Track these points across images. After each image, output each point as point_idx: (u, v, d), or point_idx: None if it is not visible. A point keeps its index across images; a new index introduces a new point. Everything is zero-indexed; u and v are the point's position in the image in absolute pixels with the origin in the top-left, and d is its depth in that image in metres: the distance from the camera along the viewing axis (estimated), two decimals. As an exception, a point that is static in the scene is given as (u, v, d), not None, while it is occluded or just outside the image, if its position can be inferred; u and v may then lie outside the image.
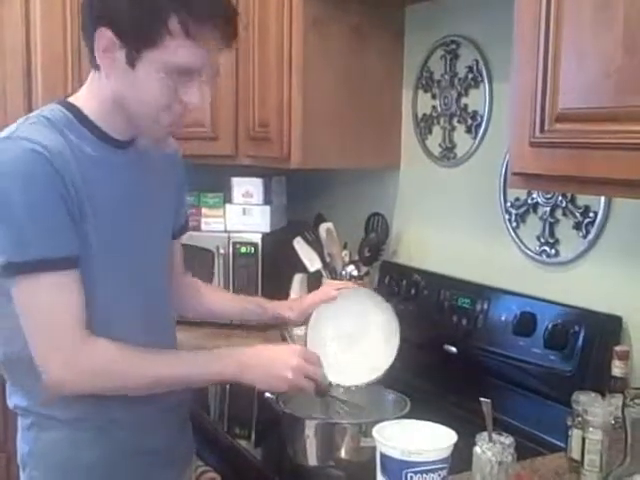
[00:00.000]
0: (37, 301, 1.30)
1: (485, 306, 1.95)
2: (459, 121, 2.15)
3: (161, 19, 1.24)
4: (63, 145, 1.30)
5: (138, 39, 1.26)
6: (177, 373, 1.40)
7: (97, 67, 1.34)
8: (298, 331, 2.41)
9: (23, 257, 1.27)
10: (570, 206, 1.81)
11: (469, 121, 2.11)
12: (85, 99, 1.39)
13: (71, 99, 1.40)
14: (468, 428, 1.32)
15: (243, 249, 2.52)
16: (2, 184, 1.25)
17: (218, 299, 1.82)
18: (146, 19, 1.25)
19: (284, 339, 2.19)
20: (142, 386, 1.38)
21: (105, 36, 1.28)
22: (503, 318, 1.89)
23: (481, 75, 2.06)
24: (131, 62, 1.28)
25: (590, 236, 1.76)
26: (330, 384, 1.54)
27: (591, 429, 1.38)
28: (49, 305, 1.30)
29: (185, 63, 1.28)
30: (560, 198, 1.83)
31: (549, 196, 1.86)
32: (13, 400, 1.45)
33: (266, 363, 1.43)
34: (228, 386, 2.07)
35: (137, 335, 1.39)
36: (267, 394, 1.60)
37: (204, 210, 2.62)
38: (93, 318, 1.34)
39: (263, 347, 1.52)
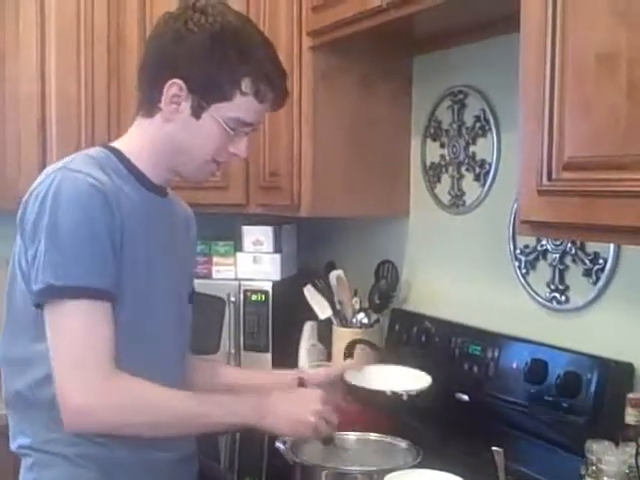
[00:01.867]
0: (71, 327, 1.31)
1: (496, 353, 1.94)
2: (467, 169, 2.17)
3: (236, 78, 1.38)
4: (110, 184, 1.35)
5: (210, 93, 1.39)
6: (201, 411, 1.39)
7: (151, 114, 1.44)
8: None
9: (65, 281, 1.30)
10: (580, 253, 1.81)
11: (477, 169, 2.13)
12: (128, 144, 1.47)
13: (113, 144, 1.47)
14: (480, 478, 1.31)
15: (254, 297, 2.53)
16: (56, 210, 1.30)
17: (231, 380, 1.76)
18: (223, 77, 1.38)
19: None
20: (164, 423, 1.37)
21: (176, 86, 1.38)
22: (514, 365, 1.88)
23: (488, 124, 2.08)
24: (197, 112, 1.40)
25: (600, 283, 1.76)
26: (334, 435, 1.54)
27: (605, 478, 1.36)
28: (83, 332, 1.31)
29: (249, 119, 1.42)
30: (569, 245, 1.83)
31: (558, 243, 1.86)
32: (17, 441, 1.44)
33: (289, 409, 1.44)
34: (238, 435, 2.05)
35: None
36: (277, 443, 1.59)
37: (215, 258, 2.63)
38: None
39: (284, 393, 1.52)
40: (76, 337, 1.31)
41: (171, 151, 1.45)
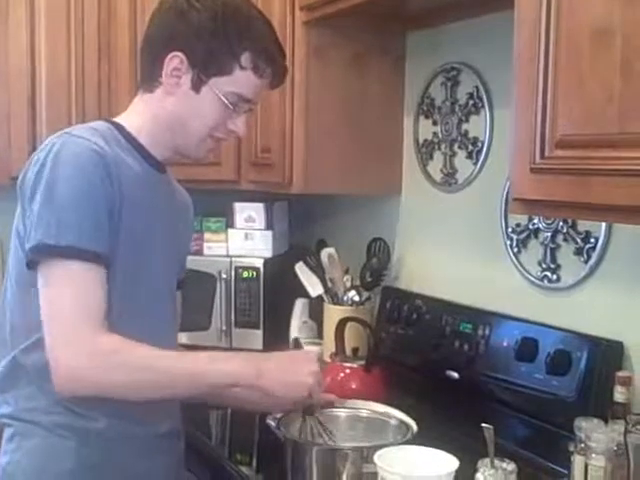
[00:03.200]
0: (62, 288, 1.31)
1: (487, 331, 1.95)
2: (460, 147, 2.17)
3: (236, 53, 1.40)
4: (111, 153, 1.36)
5: (210, 67, 1.41)
6: (193, 369, 1.39)
7: (151, 88, 1.46)
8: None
9: (58, 241, 1.29)
10: (571, 231, 1.81)
11: (470, 147, 2.13)
12: (129, 119, 1.48)
13: (114, 119, 1.49)
14: (470, 454, 1.32)
15: (245, 274, 2.52)
16: (55, 171, 1.31)
17: None
18: (223, 51, 1.40)
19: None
20: (157, 382, 1.36)
21: (177, 59, 1.40)
22: (505, 343, 1.89)
23: (481, 101, 2.08)
24: (197, 86, 1.42)
25: (591, 261, 1.76)
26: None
27: (594, 455, 1.37)
28: (75, 294, 1.31)
29: (247, 94, 1.44)
30: (561, 224, 1.83)
31: (550, 221, 1.86)
32: (0, 410, 1.44)
33: (286, 368, 1.43)
34: (230, 411, 2.06)
35: None
36: (268, 419, 1.60)
37: (206, 235, 2.63)
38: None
39: (280, 353, 1.51)
40: (67, 299, 1.31)
41: (171, 126, 1.46)
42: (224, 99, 1.42)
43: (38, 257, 1.32)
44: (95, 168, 1.32)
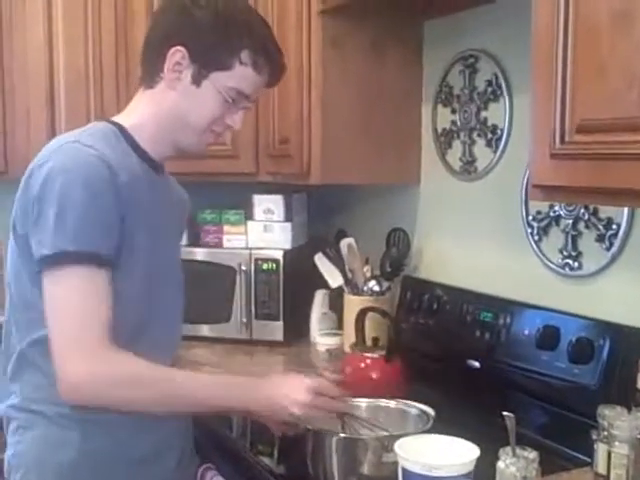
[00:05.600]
0: (69, 296, 1.33)
1: (508, 320, 1.94)
2: (479, 135, 2.15)
3: (236, 49, 1.44)
4: (115, 158, 1.38)
5: (211, 62, 1.44)
6: (193, 393, 1.43)
7: (152, 84, 1.48)
8: (322, 339, 2.42)
9: (77, 247, 1.31)
10: (593, 218, 1.79)
11: (489, 135, 2.11)
12: (130, 117, 1.51)
13: (115, 118, 1.52)
14: (491, 443, 1.31)
15: (265, 266, 2.52)
16: (66, 179, 1.32)
17: None
18: (224, 47, 1.44)
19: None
20: (156, 401, 1.39)
21: (179, 54, 1.43)
22: (526, 332, 1.87)
23: (500, 89, 2.06)
24: (197, 80, 1.45)
25: (613, 248, 1.74)
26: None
27: (617, 443, 1.36)
28: (82, 301, 1.33)
29: (246, 90, 1.48)
30: (582, 210, 1.82)
31: (571, 208, 1.84)
32: (7, 402, 1.46)
33: (274, 396, 1.46)
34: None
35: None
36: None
37: (226, 227, 2.63)
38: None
39: (274, 379, 1.53)
40: (74, 307, 1.33)
41: (172, 121, 1.49)
42: (224, 94, 1.45)
43: (43, 266, 1.33)
44: (102, 174, 1.34)
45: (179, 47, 1.43)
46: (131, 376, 1.37)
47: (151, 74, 1.49)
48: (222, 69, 1.44)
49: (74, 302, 1.33)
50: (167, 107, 1.48)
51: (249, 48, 1.45)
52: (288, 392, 1.46)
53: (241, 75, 1.45)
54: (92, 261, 1.33)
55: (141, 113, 1.50)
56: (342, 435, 1.51)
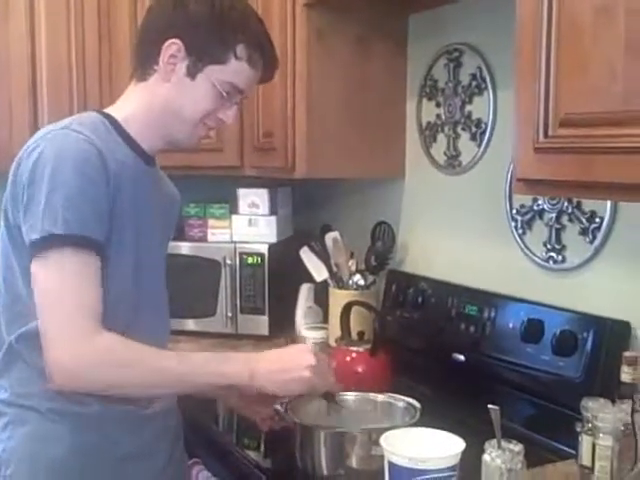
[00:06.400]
0: (62, 279, 1.32)
1: (492, 313, 1.95)
2: (463, 129, 2.16)
3: (231, 43, 1.44)
4: (104, 146, 1.38)
5: (206, 55, 1.44)
6: (184, 369, 1.40)
7: (145, 77, 1.48)
8: (307, 333, 2.42)
9: (66, 230, 1.31)
10: (576, 212, 1.80)
11: (473, 129, 2.11)
12: (121, 109, 1.50)
13: (106, 110, 1.51)
14: (477, 436, 1.31)
15: (250, 259, 2.52)
16: (56, 163, 1.32)
17: None
18: (219, 40, 1.44)
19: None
20: (152, 381, 1.39)
21: (175, 46, 1.43)
22: (511, 325, 1.88)
23: (485, 82, 2.06)
24: (192, 73, 1.45)
25: (597, 242, 1.75)
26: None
27: (601, 435, 1.37)
28: (74, 286, 1.32)
29: (240, 84, 1.48)
30: (566, 204, 1.83)
31: (555, 202, 1.85)
32: None
33: (281, 367, 1.44)
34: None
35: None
36: (276, 405, 1.60)
37: (210, 221, 2.62)
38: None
39: (273, 351, 1.52)
40: (67, 292, 1.32)
41: (165, 113, 1.48)
42: (219, 87, 1.46)
43: (34, 250, 1.32)
44: (93, 161, 1.34)
45: (175, 40, 1.43)
46: (123, 360, 1.35)
47: (144, 67, 1.48)
48: (217, 63, 1.45)
49: (64, 285, 1.32)
50: (160, 99, 1.47)
51: (244, 43, 1.45)
52: (293, 358, 1.45)
53: (236, 69, 1.46)
54: (82, 244, 1.32)
55: (133, 105, 1.50)
56: (329, 428, 1.51)
